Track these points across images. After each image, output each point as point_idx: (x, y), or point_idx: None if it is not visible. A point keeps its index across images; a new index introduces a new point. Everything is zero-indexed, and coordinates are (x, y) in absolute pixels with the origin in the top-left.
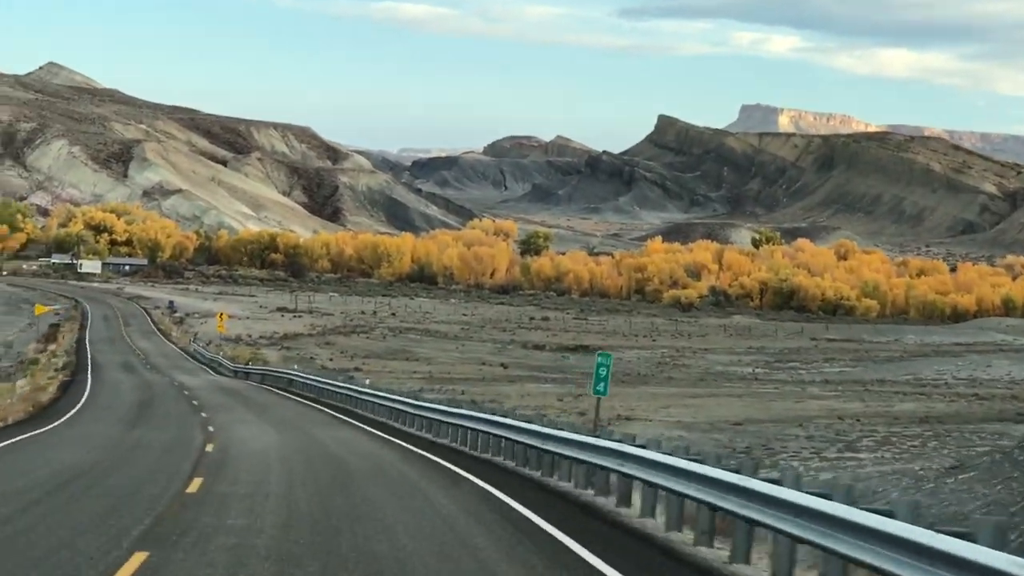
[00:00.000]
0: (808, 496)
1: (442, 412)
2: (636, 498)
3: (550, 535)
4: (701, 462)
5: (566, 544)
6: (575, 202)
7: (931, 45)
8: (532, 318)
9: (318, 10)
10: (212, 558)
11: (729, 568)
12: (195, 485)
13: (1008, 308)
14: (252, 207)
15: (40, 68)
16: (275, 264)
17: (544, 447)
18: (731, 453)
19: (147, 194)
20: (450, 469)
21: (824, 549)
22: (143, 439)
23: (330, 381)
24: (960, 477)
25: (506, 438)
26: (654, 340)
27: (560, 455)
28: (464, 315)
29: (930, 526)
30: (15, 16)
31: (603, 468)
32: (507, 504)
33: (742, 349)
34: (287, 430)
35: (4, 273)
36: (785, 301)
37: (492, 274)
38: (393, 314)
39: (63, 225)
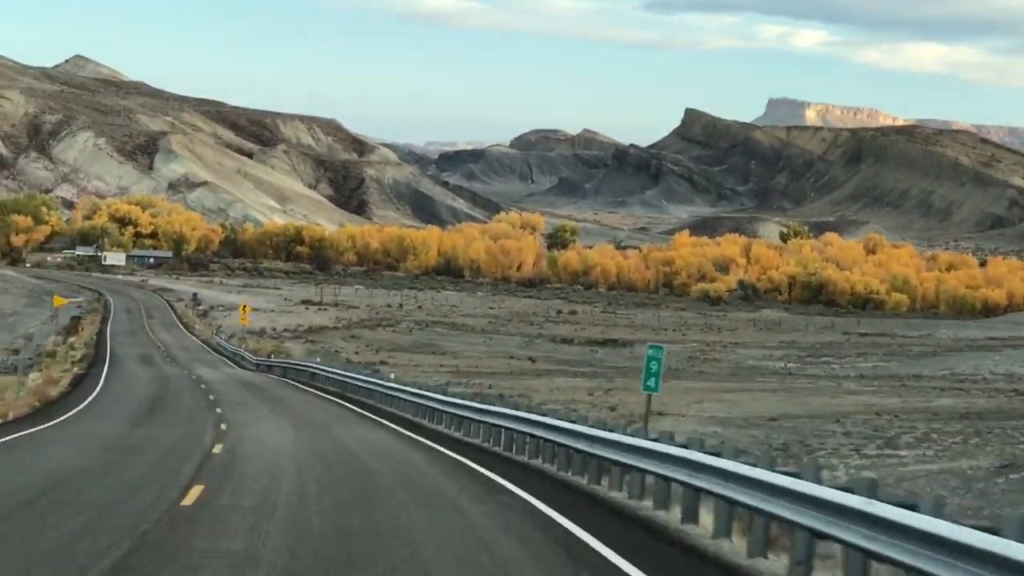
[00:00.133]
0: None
1: (473, 409)
2: (705, 515)
3: (614, 565)
4: (796, 476)
5: None
6: (602, 196)
7: (959, 39)
8: (560, 311)
9: (345, 4)
10: None
11: None
12: (192, 496)
13: None
14: (278, 200)
15: (67, 61)
16: (301, 257)
17: (592, 451)
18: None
19: (173, 186)
20: (484, 475)
21: None
22: (147, 438)
23: (354, 375)
24: (1012, 477)
25: (546, 439)
26: (684, 334)
27: (612, 461)
28: (491, 308)
29: None
30: (43, 9)
31: (666, 478)
32: (556, 522)
33: (773, 343)
34: (305, 428)
35: (28, 265)
36: (814, 295)
37: (519, 267)
38: (419, 307)
39: (88, 217)
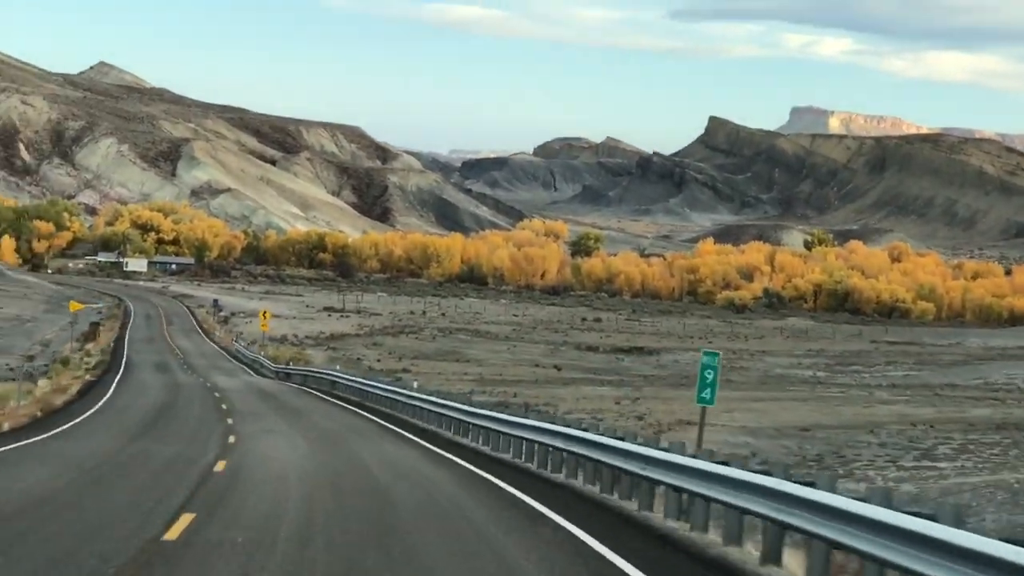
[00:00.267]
0: None
1: (504, 423)
2: (790, 555)
3: None
4: (931, 519)
5: None
6: (625, 204)
7: (984, 48)
8: (584, 319)
9: (368, 11)
10: None
11: None
12: (178, 527)
13: None
14: (301, 207)
15: (91, 68)
16: (323, 264)
17: (644, 473)
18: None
19: (195, 193)
20: (521, 500)
21: None
22: (143, 454)
23: (375, 383)
24: None
25: (587, 457)
26: (710, 342)
27: (672, 487)
28: (515, 316)
29: None
30: (67, 17)
31: (740, 510)
32: (612, 563)
33: (801, 352)
34: (321, 443)
35: (49, 271)
36: (839, 303)
37: (543, 275)
38: (443, 314)
39: (110, 224)
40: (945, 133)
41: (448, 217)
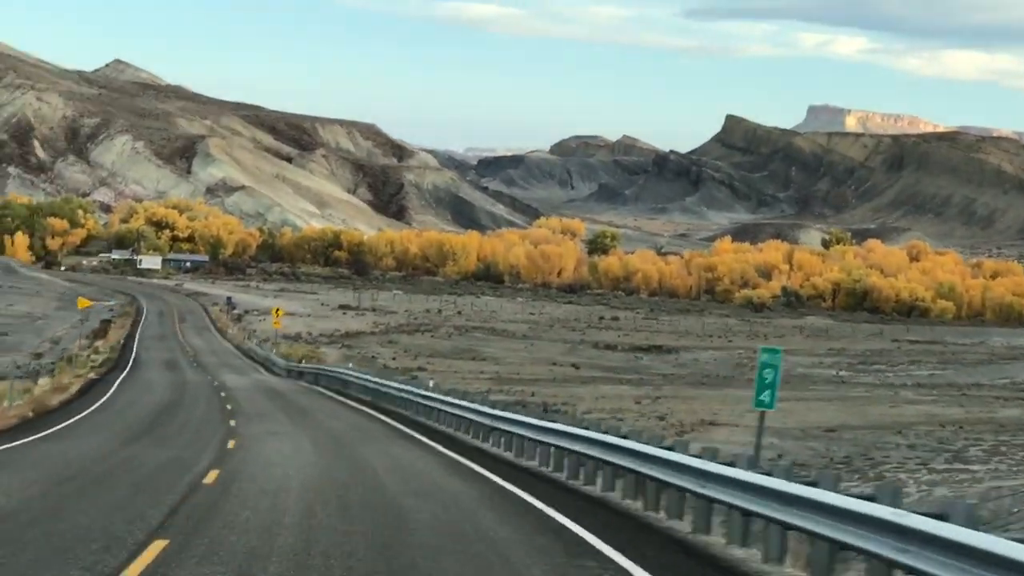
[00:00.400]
0: None
1: (530, 427)
2: None
3: None
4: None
5: None
6: (642, 202)
7: (1001, 47)
8: (602, 317)
9: (384, 9)
10: None
11: None
12: (143, 561)
13: None
14: (317, 204)
15: (107, 65)
16: (339, 262)
17: (703, 491)
18: None
19: (211, 190)
20: (554, 521)
21: None
22: (129, 462)
23: (388, 383)
24: None
25: (629, 469)
26: (729, 340)
27: (739, 509)
28: (531, 314)
29: None
30: (84, 15)
31: (827, 539)
32: None
33: (822, 350)
34: (328, 447)
35: (63, 269)
36: (858, 302)
37: (559, 273)
38: (459, 312)
39: (124, 221)
40: (962, 131)
41: (464, 215)
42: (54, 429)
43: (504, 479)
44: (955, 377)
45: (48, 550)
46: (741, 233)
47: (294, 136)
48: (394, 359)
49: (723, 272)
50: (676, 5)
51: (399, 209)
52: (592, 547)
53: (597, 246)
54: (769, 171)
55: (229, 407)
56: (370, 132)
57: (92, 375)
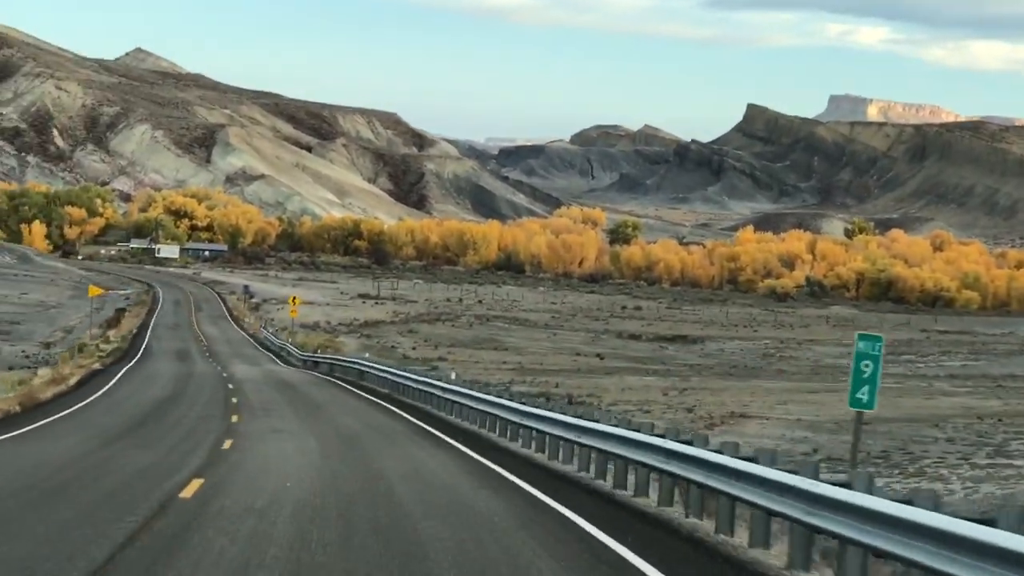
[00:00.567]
0: None
1: (569, 427)
2: None
3: None
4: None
5: None
6: (663, 192)
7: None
8: (624, 307)
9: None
10: None
11: None
12: None
13: None
14: (336, 193)
15: (127, 54)
16: (359, 251)
17: (808, 520)
18: None
19: (230, 180)
20: (615, 554)
21: None
22: (106, 465)
23: (407, 374)
24: None
25: (695, 482)
26: (755, 331)
27: (864, 546)
28: (553, 303)
29: None
30: (104, 3)
31: None
32: None
33: (850, 341)
34: (336, 449)
35: (80, 258)
36: (883, 292)
37: (581, 263)
38: (479, 302)
39: (143, 210)
40: (985, 121)
41: (485, 204)
42: (34, 427)
43: (540, 490)
44: (988, 368)
45: None
46: (763, 223)
47: (314, 125)
48: (414, 349)
49: (746, 262)
50: None
51: (419, 198)
52: None
53: (618, 236)
54: (791, 161)
55: (234, 400)
56: (390, 121)
57: (97, 365)
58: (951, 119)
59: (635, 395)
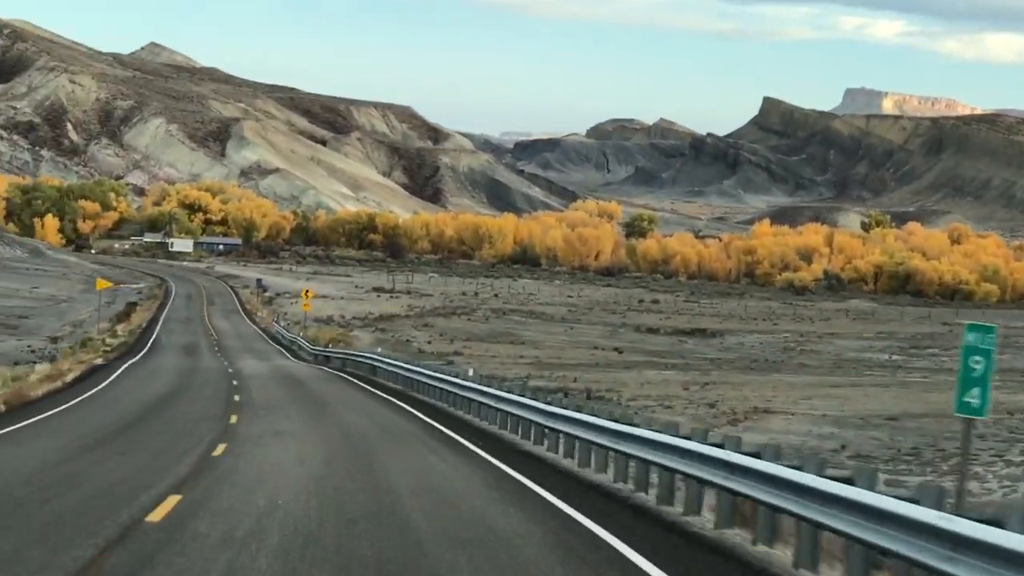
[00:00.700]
0: None
1: (602, 431)
2: None
3: None
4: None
5: None
6: (679, 185)
7: None
8: (642, 300)
9: None
10: None
11: None
12: None
13: None
14: (351, 187)
15: (142, 48)
16: (374, 245)
17: (911, 556)
18: None
19: (244, 173)
20: None
21: None
22: (68, 480)
23: (422, 370)
24: None
25: (762, 502)
26: (774, 324)
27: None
28: (570, 297)
29: None
30: None
31: None
32: None
33: (870, 334)
34: (342, 455)
35: (93, 252)
36: (901, 285)
37: (597, 256)
38: (495, 295)
39: (157, 204)
40: (1002, 114)
41: (500, 198)
42: (11, 429)
43: (575, 507)
44: (1014, 362)
45: None
46: (779, 216)
47: (329, 119)
48: (429, 343)
49: (763, 255)
50: None
51: (434, 192)
52: None
53: (634, 229)
54: (807, 154)
55: (236, 398)
56: (405, 115)
57: (98, 361)
58: (967, 112)
59: (655, 390)
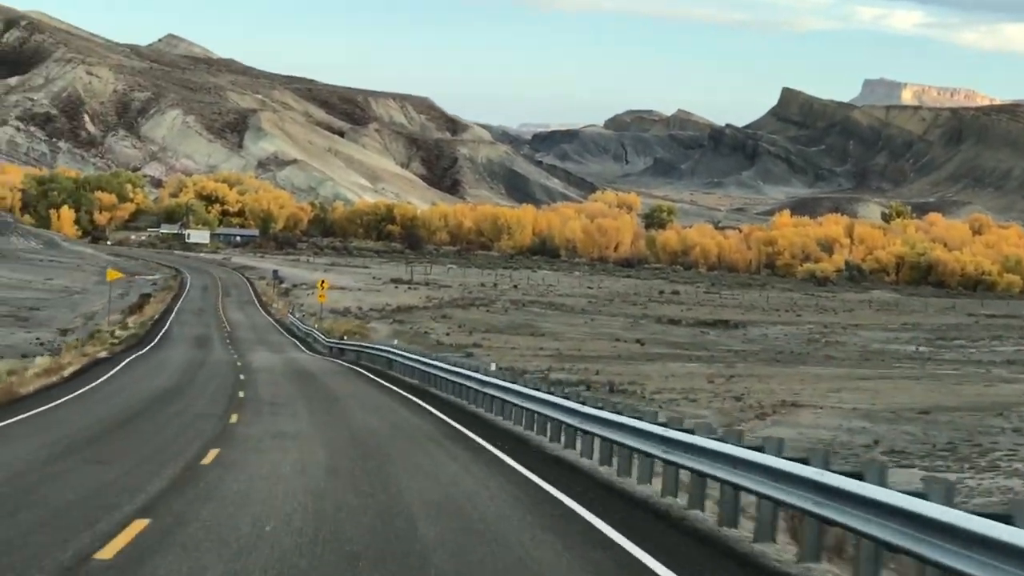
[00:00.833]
0: None
1: (646, 436)
2: None
3: None
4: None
5: None
6: (698, 176)
7: None
8: (662, 292)
9: None
10: None
11: None
12: None
13: None
14: (369, 179)
15: (159, 40)
16: (392, 236)
17: None
18: None
19: (262, 165)
20: None
21: None
22: (30, 493)
23: (440, 364)
24: None
25: (853, 529)
26: (797, 315)
27: None
28: (590, 288)
29: None
30: None
31: None
32: None
33: (895, 325)
34: (348, 462)
35: (109, 243)
36: (923, 276)
37: (616, 247)
38: (515, 287)
39: (174, 195)
40: (1022, 104)
41: (519, 189)
42: None
43: (622, 532)
44: None
45: None
46: (799, 207)
47: (346, 110)
48: (448, 334)
49: (783, 246)
50: None
51: (453, 183)
52: None
53: (654, 220)
54: (826, 145)
55: (241, 395)
56: (423, 106)
57: (103, 354)
58: (986, 103)
59: (679, 383)
